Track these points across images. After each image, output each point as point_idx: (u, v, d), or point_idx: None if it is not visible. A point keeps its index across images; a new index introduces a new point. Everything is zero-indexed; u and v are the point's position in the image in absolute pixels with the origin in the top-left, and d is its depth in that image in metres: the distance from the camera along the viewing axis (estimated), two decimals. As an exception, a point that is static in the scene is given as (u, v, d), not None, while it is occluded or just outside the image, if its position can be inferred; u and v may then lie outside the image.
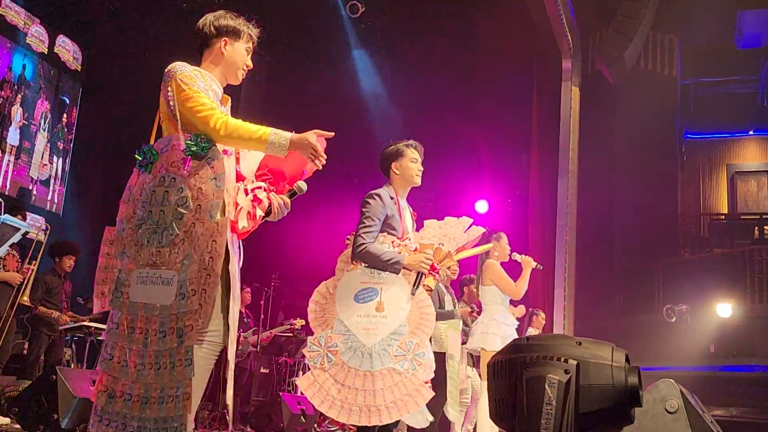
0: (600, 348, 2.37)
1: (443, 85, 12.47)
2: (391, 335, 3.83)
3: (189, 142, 2.84)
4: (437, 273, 4.07)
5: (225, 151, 2.93)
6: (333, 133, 2.95)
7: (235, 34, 3.08)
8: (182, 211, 2.80)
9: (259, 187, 3.03)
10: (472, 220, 4.31)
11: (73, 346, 7.87)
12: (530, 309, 8.72)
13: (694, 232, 14.07)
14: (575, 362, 2.28)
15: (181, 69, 2.93)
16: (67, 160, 11.81)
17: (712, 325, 10.88)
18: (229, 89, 3.18)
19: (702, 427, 2.56)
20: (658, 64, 13.08)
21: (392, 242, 4.00)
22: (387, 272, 3.92)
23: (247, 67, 3.13)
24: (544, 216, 12.04)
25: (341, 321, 3.86)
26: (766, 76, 13.62)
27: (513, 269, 6.12)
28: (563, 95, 11.39)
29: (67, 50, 11.71)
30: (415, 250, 4.06)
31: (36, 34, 10.95)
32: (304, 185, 3.18)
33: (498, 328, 5.84)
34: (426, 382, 3.84)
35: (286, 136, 2.86)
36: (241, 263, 3.03)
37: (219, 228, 2.79)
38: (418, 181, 4.23)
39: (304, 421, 7.72)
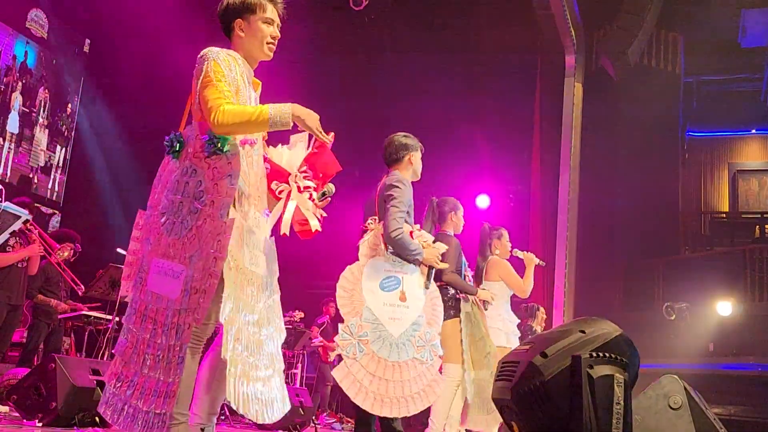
0: (609, 325, 2.41)
1: (446, 80, 12.43)
2: (413, 325, 3.87)
3: (208, 141, 2.80)
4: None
5: (244, 141, 2.87)
6: (332, 136, 2.92)
7: (248, 10, 2.97)
8: (198, 205, 2.77)
9: (310, 187, 3.01)
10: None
11: (72, 335, 7.86)
12: (533, 304, 8.72)
13: (695, 230, 14.07)
14: (625, 360, 2.31)
15: (214, 54, 2.86)
16: (68, 149, 11.79)
17: (712, 323, 10.87)
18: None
19: (705, 424, 2.55)
20: (662, 61, 13.03)
21: (410, 233, 4.02)
22: (407, 262, 3.94)
23: (273, 38, 3.01)
24: (545, 212, 12.01)
25: (369, 309, 3.88)
26: (769, 75, 13.60)
27: (514, 265, 6.11)
28: (566, 91, 11.35)
29: (68, 37, 11.68)
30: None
31: (36, 19, 10.89)
32: (332, 187, 3.16)
33: (503, 324, 5.84)
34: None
35: (287, 108, 2.79)
36: (266, 265, 2.97)
37: (225, 228, 2.72)
38: (417, 178, 4.30)
39: (302, 413, 7.71)
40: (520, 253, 6.01)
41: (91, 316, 7.30)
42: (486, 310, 5.70)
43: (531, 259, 5.93)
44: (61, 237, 6.91)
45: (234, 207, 2.80)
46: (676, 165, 13.49)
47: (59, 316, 7.17)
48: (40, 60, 11.09)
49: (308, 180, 3.02)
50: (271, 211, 3.02)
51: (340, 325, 3.90)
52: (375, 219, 4.06)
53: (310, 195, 3.00)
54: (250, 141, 2.90)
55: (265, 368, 2.86)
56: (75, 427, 5.00)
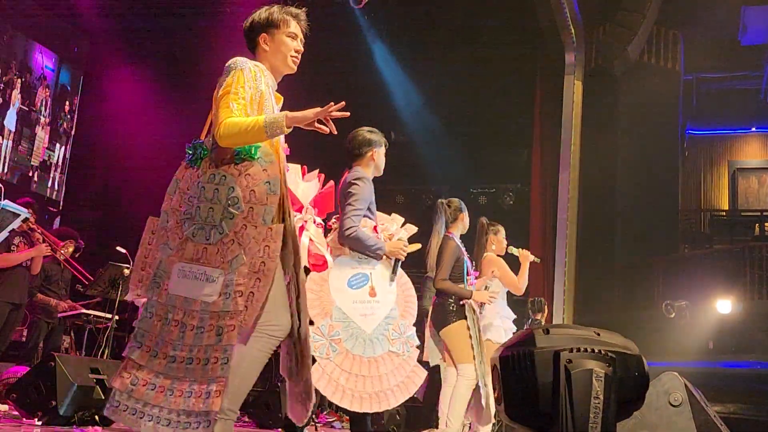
0: (619, 338, 2.41)
1: (445, 77, 12.42)
2: (386, 319, 3.89)
3: (239, 151, 2.85)
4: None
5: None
6: (339, 106, 2.87)
7: (272, 26, 3.07)
8: (233, 211, 2.80)
9: (322, 225, 3.32)
10: (404, 220, 4.40)
11: (72, 334, 7.86)
12: (540, 299, 8.75)
13: (695, 228, 14.06)
14: (612, 355, 2.30)
15: (241, 64, 2.94)
16: (67, 148, 11.78)
17: (712, 321, 10.87)
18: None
19: (706, 421, 2.55)
20: (662, 58, 13.02)
21: (374, 227, 4.01)
22: (373, 258, 3.93)
23: (296, 52, 3.09)
24: (545, 210, 12.02)
25: (339, 309, 3.89)
26: (769, 73, 13.59)
27: (509, 263, 6.12)
28: (566, 89, 11.35)
29: (67, 38, 11.68)
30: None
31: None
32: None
33: (501, 321, 5.85)
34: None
35: (280, 115, 2.81)
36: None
37: (273, 234, 2.79)
38: (380, 173, 4.26)
39: (302, 411, 7.69)
40: (515, 250, 6.00)
41: (90, 314, 7.30)
42: (482, 310, 5.74)
43: (526, 256, 5.92)
44: (62, 235, 6.92)
45: (286, 213, 2.88)
46: (676, 163, 13.48)
47: (59, 315, 7.17)
48: (40, 58, 11.08)
49: (318, 216, 3.19)
50: None
51: (310, 328, 3.90)
52: (338, 218, 4.02)
53: (323, 229, 3.16)
54: (284, 150, 3.01)
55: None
56: (74, 426, 5.00)
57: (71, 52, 11.82)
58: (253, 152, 2.85)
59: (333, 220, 4.09)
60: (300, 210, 3.15)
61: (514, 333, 5.99)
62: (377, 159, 4.19)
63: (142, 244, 2.99)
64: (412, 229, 4.39)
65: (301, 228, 3.07)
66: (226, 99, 2.85)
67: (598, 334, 2.43)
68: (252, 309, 2.74)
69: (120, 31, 11.64)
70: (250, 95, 2.88)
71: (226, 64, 2.97)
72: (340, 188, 4.10)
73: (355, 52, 12.10)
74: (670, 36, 13.18)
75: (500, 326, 5.78)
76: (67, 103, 11.76)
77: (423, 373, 3.89)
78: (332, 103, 2.83)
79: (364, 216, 3.98)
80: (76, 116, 11.94)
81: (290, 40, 3.08)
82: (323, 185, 3.77)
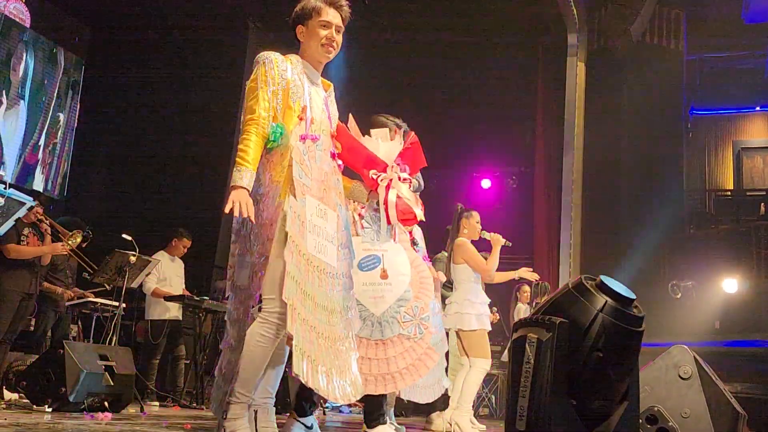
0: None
1: (447, 60, 12.38)
2: (398, 301, 3.86)
3: (268, 141, 2.99)
4: None
5: (304, 137, 3.03)
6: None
7: (304, 17, 3.18)
8: (257, 197, 2.99)
9: (408, 180, 3.33)
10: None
11: (80, 322, 7.88)
12: (544, 283, 8.73)
13: (700, 209, 14.02)
14: (558, 320, 2.31)
15: (267, 57, 3.07)
16: (71, 139, 11.77)
17: (718, 300, 10.86)
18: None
19: (715, 393, 2.55)
20: (665, 38, 12.94)
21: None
22: (389, 239, 3.93)
23: (328, 39, 3.15)
24: (549, 192, 12.00)
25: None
26: (773, 52, 13.51)
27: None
28: (568, 70, 11.28)
29: (68, 26, 11.64)
30: None
31: (15, 12, 10.77)
32: (417, 182, 3.50)
33: (472, 307, 5.81)
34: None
35: (236, 179, 2.88)
36: (337, 255, 3.12)
37: (280, 213, 2.94)
38: None
39: (310, 396, 7.72)
40: (487, 234, 5.98)
41: (97, 302, 7.31)
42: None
43: (498, 240, 5.89)
44: (69, 224, 6.92)
45: (293, 196, 2.93)
46: (680, 143, 13.44)
47: (67, 303, 7.19)
48: (41, 48, 11.05)
49: (404, 172, 3.32)
50: (363, 201, 3.45)
51: None
52: (350, 201, 4.04)
53: (410, 184, 3.31)
54: (311, 137, 3.06)
55: (337, 354, 2.98)
56: (84, 412, 5.03)
57: (72, 42, 11.78)
58: (276, 138, 2.98)
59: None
60: (384, 170, 3.28)
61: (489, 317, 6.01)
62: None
63: (232, 243, 3.21)
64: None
65: (388, 186, 3.17)
66: (251, 97, 3.00)
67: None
68: (256, 286, 2.97)
69: (121, 18, 11.61)
70: (273, 90, 3.00)
71: (255, 59, 3.11)
72: None
73: (355, 37, 12.06)
74: (673, 16, 13.10)
75: (471, 313, 5.77)
76: (70, 94, 11.74)
77: (436, 356, 3.87)
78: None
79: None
80: (78, 106, 11.92)
81: (323, 28, 3.15)
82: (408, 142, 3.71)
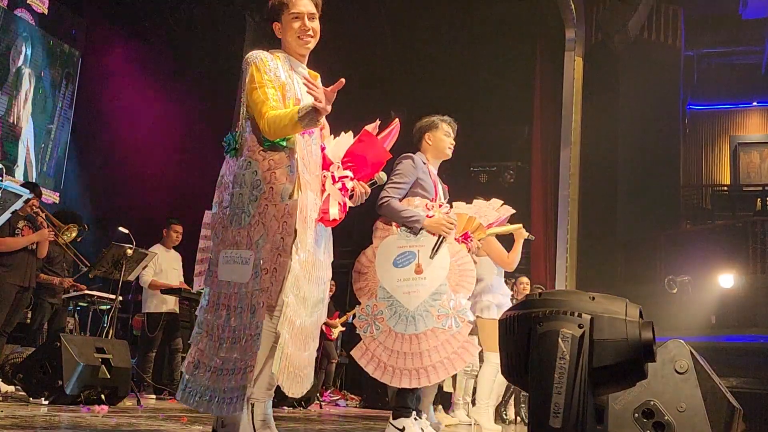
0: (613, 303, 2.37)
1: (446, 54, 12.37)
2: (432, 296, 3.89)
3: (266, 139, 2.97)
4: (469, 241, 4.13)
5: (302, 132, 3.02)
6: (343, 81, 2.91)
7: (276, 13, 3.14)
8: (256, 193, 2.95)
9: (347, 176, 3.18)
10: (502, 201, 4.47)
11: (76, 315, 7.87)
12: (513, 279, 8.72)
13: (697, 203, 14.06)
14: (589, 317, 2.27)
15: (256, 57, 3.04)
16: (67, 133, 11.75)
17: (714, 295, 10.87)
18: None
19: (711, 387, 2.55)
20: (662, 34, 12.95)
21: (425, 205, 4.05)
22: (423, 234, 3.95)
23: (302, 31, 3.12)
24: (546, 187, 12.01)
25: (383, 288, 3.94)
26: (770, 47, 13.52)
27: (508, 240, 6.12)
28: (566, 65, 11.30)
29: (66, 19, 11.61)
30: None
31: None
32: (383, 175, 3.36)
33: (493, 296, 5.86)
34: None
35: (308, 106, 2.89)
36: (325, 249, 3.15)
37: (289, 209, 2.92)
38: (448, 153, 4.41)
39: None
40: (510, 228, 6.00)
41: (94, 295, 7.31)
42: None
43: (520, 234, 5.92)
44: (66, 218, 6.92)
45: (300, 191, 2.96)
46: (677, 138, 13.46)
47: (63, 296, 7.18)
48: (38, 40, 11.02)
49: (347, 170, 3.19)
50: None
51: (356, 308, 3.98)
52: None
53: (344, 185, 3.15)
54: (307, 131, 3.05)
55: (307, 348, 3.04)
56: (81, 405, 5.02)
57: (70, 34, 11.74)
58: (280, 144, 2.97)
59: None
60: (327, 167, 3.18)
61: None
62: (433, 142, 4.35)
63: (200, 238, 3.18)
64: (508, 209, 4.52)
65: (323, 183, 3.14)
66: (256, 93, 2.97)
67: (593, 298, 2.44)
68: (276, 285, 2.87)
69: (118, 11, 11.58)
70: (273, 85, 2.99)
71: (244, 59, 3.08)
72: None
73: (353, 30, 12.04)
74: (671, 11, 13.11)
75: (492, 302, 5.82)
76: (65, 86, 11.71)
77: (475, 349, 3.90)
78: (342, 80, 2.87)
79: (416, 195, 4.10)
80: (75, 99, 11.89)
81: (295, 20, 3.11)
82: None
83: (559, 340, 2.29)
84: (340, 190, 3.13)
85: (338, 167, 3.17)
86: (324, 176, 3.14)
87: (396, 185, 4.07)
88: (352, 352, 3.99)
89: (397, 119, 3.50)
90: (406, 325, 3.85)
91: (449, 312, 3.86)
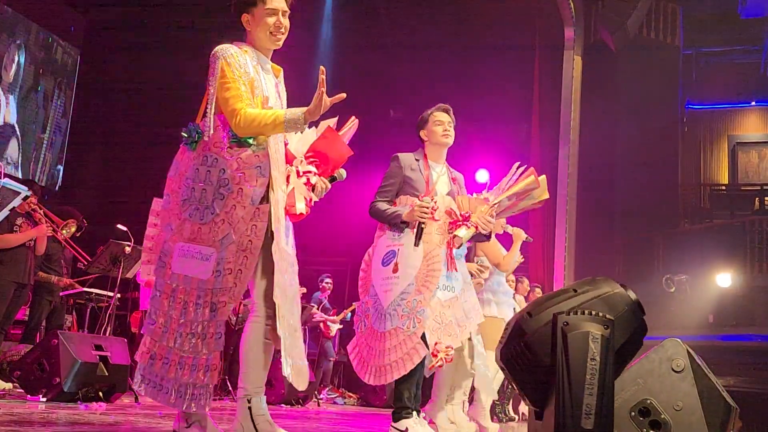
0: (596, 285, 2.52)
1: (444, 53, 12.37)
2: (401, 295, 3.91)
3: (233, 136, 2.95)
4: (468, 222, 4.11)
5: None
6: (344, 95, 2.93)
7: (248, 4, 3.08)
8: (224, 192, 2.93)
9: (310, 171, 3.18)
10: (517, 165, 4.46)
11: (74, 312, 7.87)
12: (531, 284, 8.72)
13: (695, 203, 14.07)
14: (612, 318, 2.34)
15: (226, 52, 3.00)
16: (66, 129, 11.75)
17: (712, 295, 10.90)
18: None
19: (708, 387, 2.56)
20: (661, 32, 12.96)
21: (412, 204, 4.06)
22: (405, 233, 4.00)
23: (276, 27, 3.08)
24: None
25: (373, 286, 4.03)
26: (769, 47, 13.53)
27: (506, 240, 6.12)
28: (565, 64, 11.31)
29: (63, 16, 11.59)
30: (447, 211, 4.14)
31: None
32: (344, 172, 3.35)
33: (494, 294, 5.87)
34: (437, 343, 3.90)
35: (299, 111, 2.89)
36: (291, 242, 3.16)
37: (260, 214, 2.93)
38: (446, 140, 4.35)
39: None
40: (509, 229, 6.00)
41: (92, 293, 7.31)
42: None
43: (519, 236, 5.91)
44: (64, 214, 6.91)
45: (273, 191, 2.97)
46: (676, 137, 13.47)
47: (61, 293, 7.18)
48: (34, 41, 11.01)
49: (311, 165, 3.19)
50: None
51: (355, 304, 4.12)
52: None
53: (308, 180, 3.15)
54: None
55: (299, 339, 3.10)
56: (79, 402, 5.03)
57: (68, 31, 11.74)
58: (248, 138, 2.95)
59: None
60: (290, 162, 3.17)
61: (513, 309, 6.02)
62: (428, 136, 4.34)
63: (148, 226, 3.14)
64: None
65: (288, 178, 3.14)
66: (229, 89, 2.93)
67: (576, 291, 2.50)
68: (240, 286, 2.90)
69: (117, 9, 11.57)
70: (244, 81, 2.97)
71: (212, 53, 3.03)
72: None
73: (351, 31, 12.05)
74: (670, 10, 13.12)
75: (492, 300, 5.83)
76: (64, 86, 11.70)
77: (423, 352, 3.87)
78: (343, 95, 2.90)
79: (406, 194, 4.12)
80: (74, 95, 11.88)
81: (270, 16, 3.07)
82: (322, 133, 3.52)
83: (590, 341, 2.32)
84: (305, 184, 3.15)
85: (302, 162, 3.18)
86: (288, 171, 3.14)
87: (382, 188, 4.17)
88: (348, 347, 4.10)
89: (354, 118, 3.49)
90: (380, 322, 3.92)
91: (410, 312, 3.88)
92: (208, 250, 2.91)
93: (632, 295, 2.54)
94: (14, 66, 10.63)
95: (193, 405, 2.87)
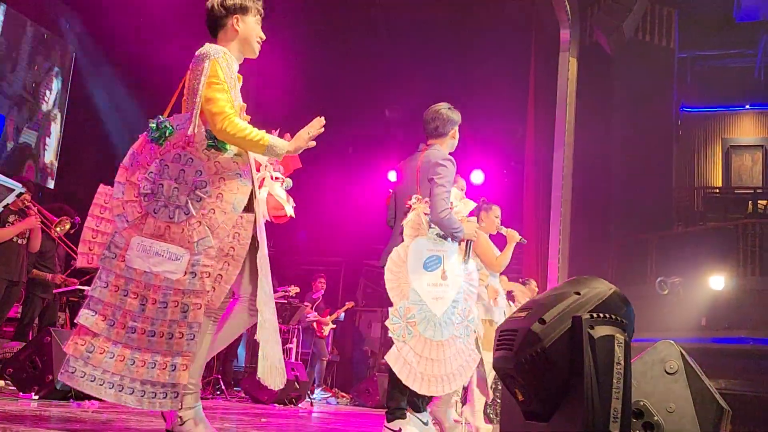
0: (594, 284, 2.47)
1: (440, 55, 12.37)
2: (453, 303, 3.92)
3: (209, 138, 2.94)
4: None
5: None
6: (323, 122, 3.00)
7: (243, 9, 3.12)
8: (200, 194, 2.90)
9: (279, 177, 3.23)
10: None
11: (67, 310, 7.85)
12: (521, 279, 8.72)
13: (688, 205, 14.10)
14: (625, 320, 2.36)
15: (217, 53, 3.00)
16: (61, 126, 11.71)
17: (704, 297, 10.93)
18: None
19: (701, 388, 2.57)
20: (656, 36, 13.00)
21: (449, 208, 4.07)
22: (449, 240, 3.99)
23: (260, 39, 3.18)
24: (539, 187, 12.02)
25: (415, 290, 3.92)
26: (763, 51, 13.57)
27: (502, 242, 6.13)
28: (561, 66, 11.31)
29: (59, 13, 11.56)
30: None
31: None
32: (290, 181, 3.35)
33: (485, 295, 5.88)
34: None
35: (284, 146, 2.95)
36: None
37: (244, 222, 2.91)
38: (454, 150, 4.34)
39: (297, 387, 7.75)
40: (503, 230, 6.00)
41: (85, 290, 7.28)
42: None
43: (513, 237, 5.92)
44: (58, 211, 6.89)
45: (255, 199, 2.99)
46: (670, 140, 13.50)
47: (55, 291, 7.16)
48: (30, 35, 10.98)
49: (277, 171, 3.24)
50: None
51: (390, 309, 3.91)
52: (419, 198, 4.04)
53: (282, 183, 3.22)
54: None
55: (276, 343, 3.10)
56: (71, 400, 5.01)
57: (63, 26, 11.69)
58: (224, 144, 2.94)
59: (414, 199, 4.09)
60: (258, 168, 3.19)
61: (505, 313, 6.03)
62: (456, 138, 4.28)
63: (91, 213, 3.03)
64: (470, 204, 4.52)
65: (260, 184, 3.15)
66: (219, 91, 2.92)
67: (579, 293, 2.50)
68: (219, 291, 2.87)
69: (112, 6, 11.53)
70: (231, 86, 2.98)
71: (198, 52, 3.02)
72: (419, 165, 4.11)
73: (346, 31, 12.04)
74: (665, 13, 13.15)
75: (484, 299, 5.85)
76: (59, 81, 11.67)
77: (478, 357, 3.94)
78: (320, 119, 2.99)
79: (425, 195, 4.05)
80: (68, 94, 11.85)
81: (258, 25, 3.16)
82: None
83: (615, 345, 2.31)
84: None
85: (272, 167, 3.22)
86: (262, 176, 3.18)
87: (447, 193, 4.02)
88: (386, 357, 3.88)
89: (321, 117, 3.52)
90: (434, 331, 3.85)
91: (463, 321, 3.91)
92: (178, 249, 2.87)
93: (619, 291, 2.56)
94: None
95: (148, 403, 2.78)
